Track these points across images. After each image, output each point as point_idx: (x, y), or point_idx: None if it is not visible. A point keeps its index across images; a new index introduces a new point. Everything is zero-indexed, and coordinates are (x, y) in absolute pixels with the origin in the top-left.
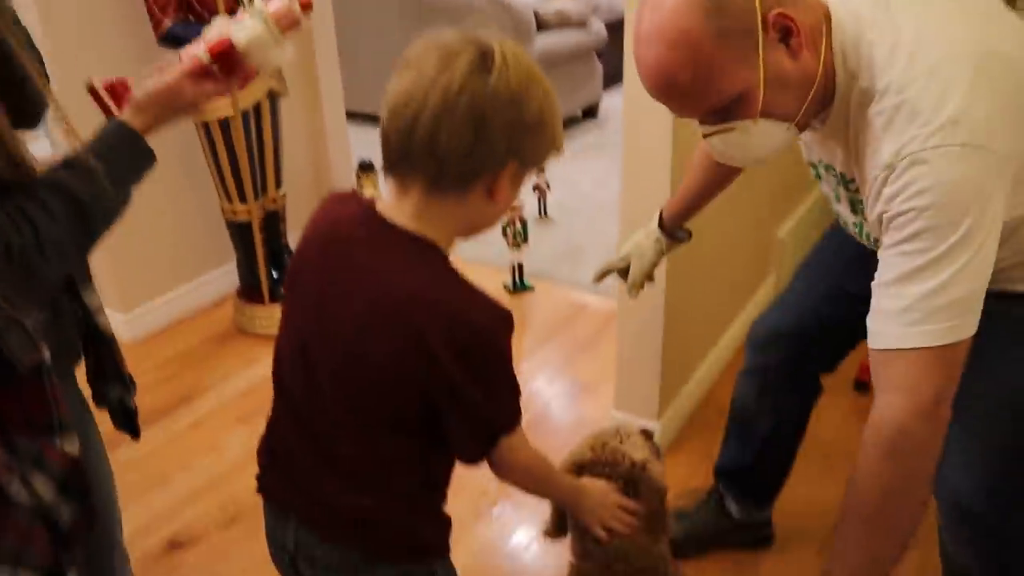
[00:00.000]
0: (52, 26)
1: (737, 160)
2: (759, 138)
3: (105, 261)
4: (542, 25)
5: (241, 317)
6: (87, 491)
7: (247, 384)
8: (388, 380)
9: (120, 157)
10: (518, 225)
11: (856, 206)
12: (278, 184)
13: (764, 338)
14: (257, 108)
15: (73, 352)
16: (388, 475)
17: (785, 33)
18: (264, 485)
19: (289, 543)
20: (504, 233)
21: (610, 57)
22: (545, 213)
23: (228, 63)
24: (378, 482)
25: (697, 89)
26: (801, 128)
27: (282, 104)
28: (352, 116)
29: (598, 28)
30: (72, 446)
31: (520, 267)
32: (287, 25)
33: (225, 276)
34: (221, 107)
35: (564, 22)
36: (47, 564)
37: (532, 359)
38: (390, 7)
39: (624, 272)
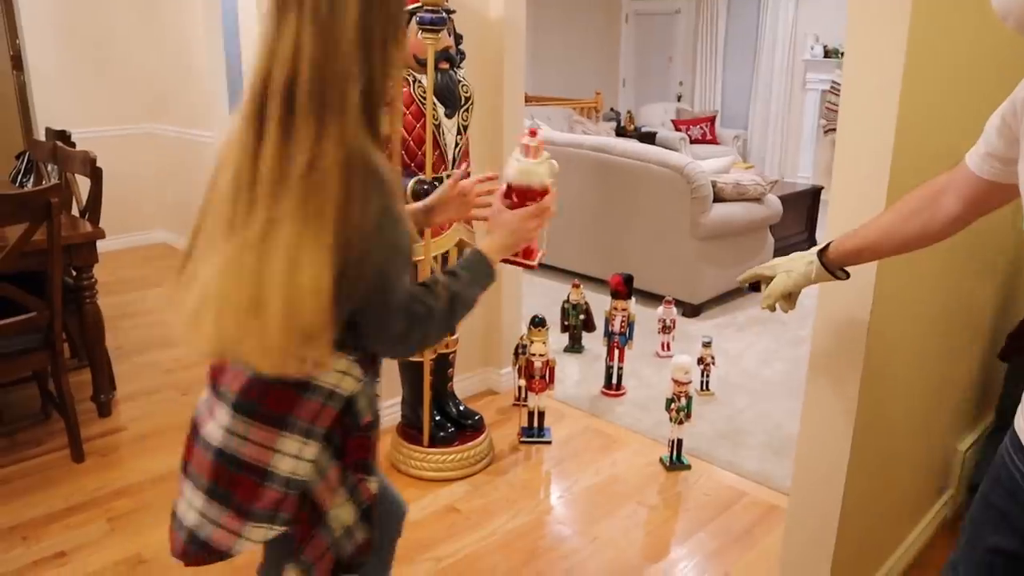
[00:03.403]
0: None
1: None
2: None
3: None
4: (719, 196)
5: (397, 455)
6: (375, 525)
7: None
8: None
9: (476, 271)
10: (683, 401)
11: None
12: (453, 330)
13: None
14: (445, 256)
15: (378, 422)
16: None
17: None
18: None
19: None
20: (668, 407)
21: (782, 231)
22: (707, 387)
23: (517, 192)
24: None
25: None
26: None
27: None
28: None
29: (774, 203)
30: (374, 486)
31: (679, 443)
32: (534, 153)
33: (388, 410)
34: (413, 252)
35: (741, 195)
36: None
37: (683, 544)
38: (576, 167)
39: (769, 282)
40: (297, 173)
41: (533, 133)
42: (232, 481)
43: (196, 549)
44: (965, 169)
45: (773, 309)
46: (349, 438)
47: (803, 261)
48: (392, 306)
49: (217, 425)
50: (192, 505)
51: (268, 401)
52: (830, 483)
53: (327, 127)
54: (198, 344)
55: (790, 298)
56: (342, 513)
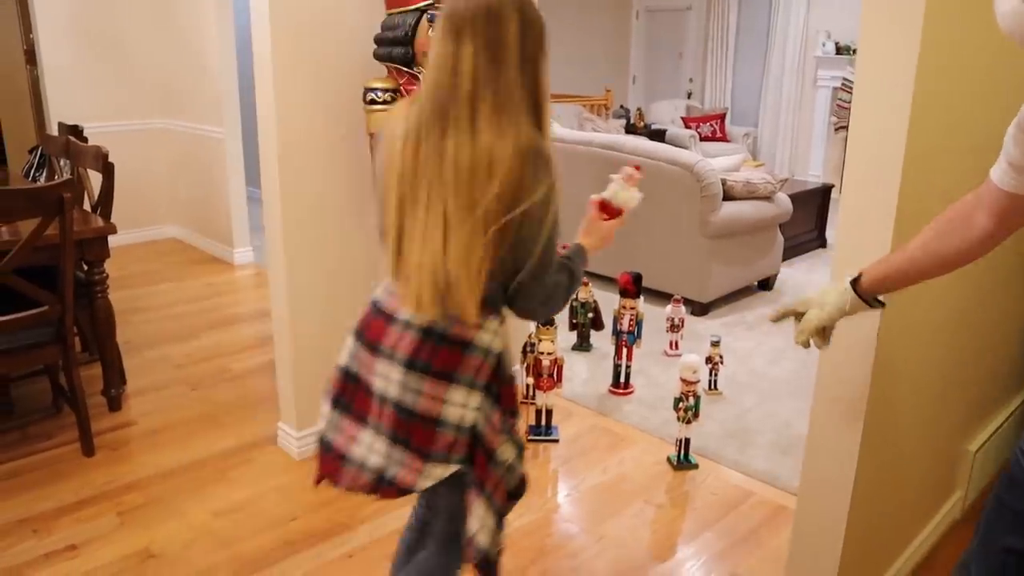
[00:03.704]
0: (287, 165)
1: (999, 17)
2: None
3: (289, 379)
4: (729, 194)
5: None
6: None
7: (401, 523)
8: None
9: (580, 258)
10: (691, 400)
11: None
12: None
13: None
14: None
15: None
16: None
17: None
18: None
19: None
20: (676, 406)
21: (792, 229)
22: (715, 387)
23: (610, 209)
24: None
25: None
26: None
27: None
28: None
29: (784, 201)
30: (520, 427)
31: (687, 442)
32: (632, 182)
33: None
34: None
35: (751, 193)
36: (502, 510)
37: (690, 543)
38: (585, 165)
39: (801, 317)
40: (483, 162)
41: (638, 168)
42: (410, 429)
43: (386, 486)
44: (990, 184)
45: (807, 345)
46: (503, 388)
47: (835, 293)
48: (547, 273)
49: (389, 382)
50: (374, 449)
51: (437, 360)
52: (838, 483)
53: (504, 126)
54: (415, 301)
55: (823, 333)
56: (505, 451)
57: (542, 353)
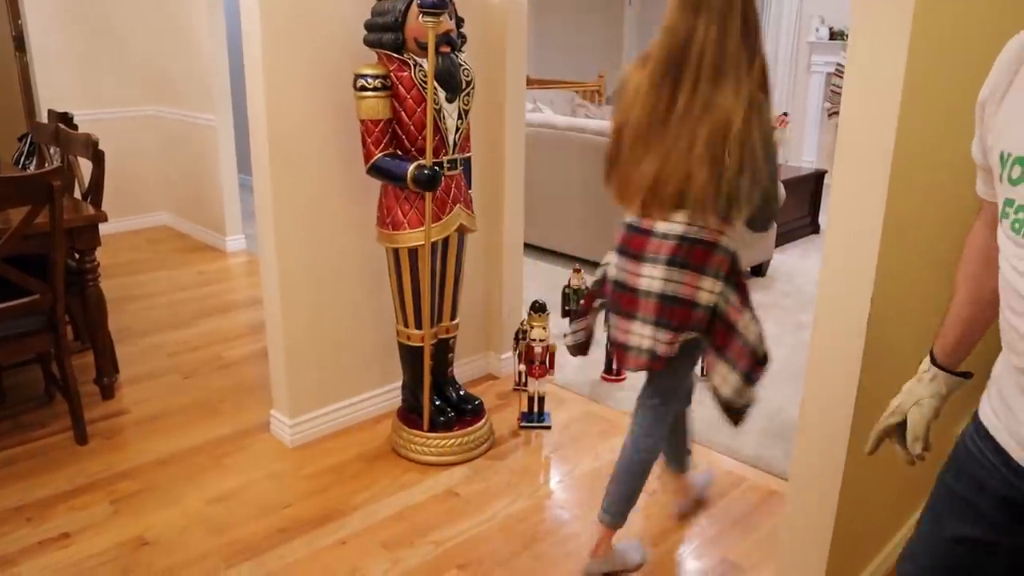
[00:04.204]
0: (277, 152)
1: None
2: None
3: (281, 367)
4: None
5: (397, 439)
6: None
7: (394, 510)
8: None
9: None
10: None
11: None
12: (453, 315)
13: None
14: (446, 241)
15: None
16: None
17: None
18: None
19: None
20: None
21: (785, 215)
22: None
23: None
24: None
25: None
26: None
27: (467, 239)
28: (528, 248)
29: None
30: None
31: None
32: (781, 124)
33: (389, 394)
34: (414, 237)
35: None
36: (751, 373)
37: (682, 529)
38: (578, 151)
39: (902, 432)
40: (699, 110)
41: (785, 115)
42: (671, 312)
43: (651, 359)
44: (984, 204)
45: (922, 459)
46: (739, 278)
47: (922, 384)
48: (772, 201)
49: (652, 279)
50: (643, 335)
51: (692, 257)
52: (829, 468)
53: (722, 86)
54: (651, 208)
55: (927, 436)
56: (751, 327)
57: (534, 340)
